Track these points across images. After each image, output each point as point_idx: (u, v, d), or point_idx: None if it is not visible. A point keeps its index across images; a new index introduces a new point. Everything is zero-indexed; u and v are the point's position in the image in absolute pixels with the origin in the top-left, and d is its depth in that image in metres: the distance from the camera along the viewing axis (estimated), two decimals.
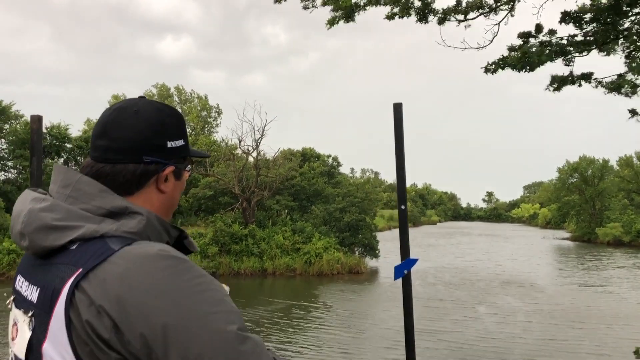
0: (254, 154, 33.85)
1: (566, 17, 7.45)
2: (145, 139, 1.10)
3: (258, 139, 33.40)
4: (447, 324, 17.73)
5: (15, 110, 36.12)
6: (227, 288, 1.71)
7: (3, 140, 35.31)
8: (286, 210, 34.57)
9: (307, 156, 43.39)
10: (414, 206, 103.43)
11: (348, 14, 7.77)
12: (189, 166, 1.22)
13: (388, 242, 46.75)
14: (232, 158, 33.62)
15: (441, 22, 7.82)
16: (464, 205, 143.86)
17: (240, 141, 33.96)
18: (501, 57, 7.72)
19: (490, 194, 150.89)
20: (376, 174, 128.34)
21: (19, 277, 1.11)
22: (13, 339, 1.05)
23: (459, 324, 17.68)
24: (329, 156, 44.69)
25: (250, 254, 30.27)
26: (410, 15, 7.70)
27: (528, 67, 7.50)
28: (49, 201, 1.03)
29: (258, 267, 30.02)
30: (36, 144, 2.09)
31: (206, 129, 60.47)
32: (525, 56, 7.31)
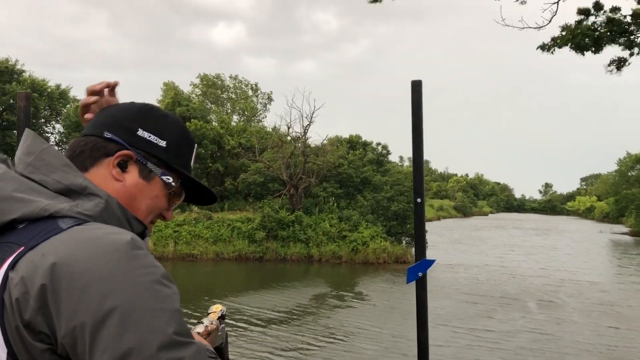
0: (302, 141, 33.86)
1: None
2: (118, 117, 1.06)
3: (306, 126, 33.38)
4: (493, 323, 17.17)
5: (73, 95, 37.48)
6: (222, 308, 1.55)
7: (61, 124, 36.71)
8: (333, 198, 34.48)
9: (354, 144, 43.05)
10: (464, 196, 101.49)
11: None
12: (170, 179, 1.09)
13: (436, 232, 46.12)
14: (280, 145, 33.73)
15: None
16: (517, 196, 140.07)
17: (288, 128, 34.03)
18: (559, 34, 7.21)
19: (548, 186, 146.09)
20: (426, 162, 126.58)
21: None
22: None
23: (506, 324, 17.07)
24: (378, 144, 44.21)
25: (297, 240, 30.39)
26: None
27: (589, 48, 6.96)
28: (1, 169, 0.96)
29: (304, 253, 30.12)
30: (23, 123, 1.98)
31: (256, 116, 60.92)
32: (580, 35, 6.77)
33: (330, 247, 30.26)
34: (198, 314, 15.84)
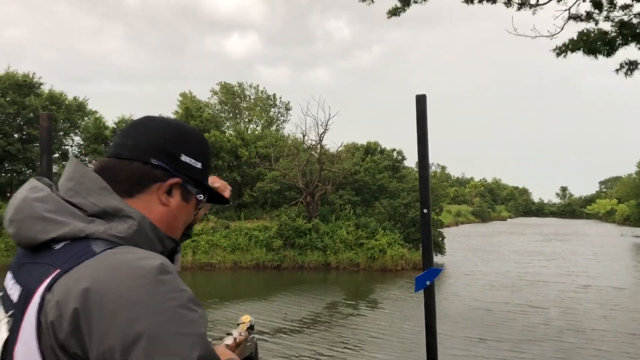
0: (318, 149, 33.90)
1: None
2: (160, 142, 1.09)
3: (321, 134, 33.43)
4: (511, 331, 16.93)
5: (90, 108, 38.02)
6: (250, 319, 1.57)
7: (80, 137, 37.23)
8: (349, 205, 34.42)
9: (371, 150, 42.97)
10: (482, 201, 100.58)
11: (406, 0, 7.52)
12: (201, 196, 1.17)
13: (455, 238, 45.74)
14: (295, 153, 33.81)
15: (508, 4, 7.38)
16: (536, 200, 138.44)
17: (304, 135, 34.11)
18: (571, 38, 7.17)
19: (564, 189, 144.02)
20: (443, 168, 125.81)
21: (8, 273, 1.08)
22: None
23: (526, 332, 16.80)
24: (393, 150, 44.08)
25: (314, 247, 30.35)
26: None
27: (602, 51, 6.89)
28: (45, 192, 1.02)
29: (322, 261, 30.07)
30: (46, 142, 2.03)
31: (274, 125, 61.15)
32: (590, 39, 6.72)
33: (348, 255, 30.17)
34: (217, 322, 15.90)
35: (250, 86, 62.91)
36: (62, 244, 0.95)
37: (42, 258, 0.96)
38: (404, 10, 7.69)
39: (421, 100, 2.07)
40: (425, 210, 2.11)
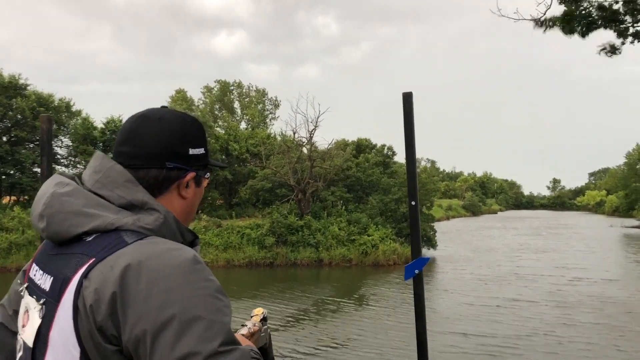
0: (308, 146, 33.90)
1: None
2: (168, 145, 1.14)
3: (312, 131, 33.43)
4: (501, 327, 17.05)
5: (77, 109, 37.79)
6: (264, 311, 1.62)
7: (68, 138, 36.97)
8: (341, 201, 34.48)
9: (363, 147, 43.06)
10: (473, 195, 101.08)
11: None
12: (208, 174, 1.27)
13: (446, 232, 45.95)
14: (286, 150, 33.80)
15: None
16: (526, 193, 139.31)
17: (294, 133, 34.09)
18: (552, 16, 7.23)
19: (556, 181, 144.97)
20: (433, 162, 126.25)
21: (34, 265, 1.13)
22: (24, 326, 1.07)
23: (517, 327, 16.90)
24: (383, 146, 44.20)
25: (307, 244, 30.40)
26: None
27: (578, 31, 6.94)
28: (72, 186, 1.07)
29: (314, 258, 30.12)
30: (46, 145, 2.06)
31: (266, 121, 61.05)
32: (570, 19, 6.78)
33: (340, 251, 30.25)
34: None
35: (239, 85, 62.85)
36: (93, 235, 1.01)
37: (75, 249, 1.01)
38: None
39: (408, 98, 2.12)
40: (413, 203, 2.19)
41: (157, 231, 1.04)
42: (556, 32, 7.35)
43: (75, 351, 0.94)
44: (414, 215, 2.21)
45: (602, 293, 21.10)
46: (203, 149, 1.21)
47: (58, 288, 0.98)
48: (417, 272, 2.19)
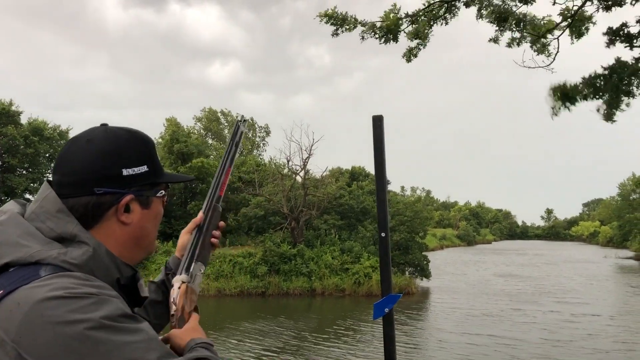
0: (302, 174, 33.82)
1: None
2: (96, 169, 1.05)
3: (305, 159, 33.38)
4: None
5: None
6: None
7: None
8: (334, 230, 34.21)
9: (357, 175, 42.99)
10: (467, 225, 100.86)
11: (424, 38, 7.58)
12: (162, 192, 1.16)
13: (440, 262, 45.57)
14: (280, 178, 33.67)
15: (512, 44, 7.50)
16: (520, 223, 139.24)
17: (288, 161, 34.03)
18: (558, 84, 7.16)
19: (549, 211, 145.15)
20: (427, 192, 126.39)
21: None
22: None
23: None
24: None
25: (299, 273, 30.03)
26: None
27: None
28: (7, 215, 1.02)
29: (307, 287, 29.73)
30: None
31: (255, 149, 61.14)
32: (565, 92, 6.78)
33: (333, 280, 29.86)
34: None
35: (221, 112, 63.36)
36: (15, 267, 0.95)
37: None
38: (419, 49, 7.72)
39: (378, 121, 1.94)
40: (383, 234, 1.97)
41: (83, 266, 0.97)
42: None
43: None
44: (384, 248, 2.00)
45: (601, 330, 20.81)
46: (145, 166, 1.10)
47: None
48: (387, 310, 1.96)
